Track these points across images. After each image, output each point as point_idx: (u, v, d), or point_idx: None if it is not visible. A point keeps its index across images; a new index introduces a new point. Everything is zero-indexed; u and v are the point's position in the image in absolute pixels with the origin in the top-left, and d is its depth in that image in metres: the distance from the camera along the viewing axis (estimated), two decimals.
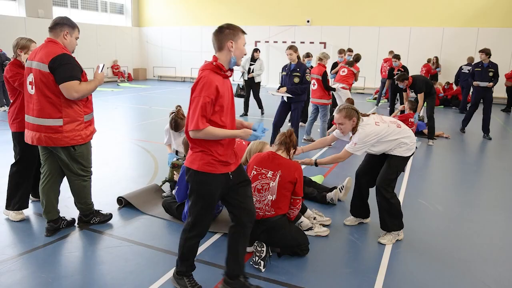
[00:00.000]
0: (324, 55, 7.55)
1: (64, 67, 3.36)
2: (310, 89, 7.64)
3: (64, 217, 3.90)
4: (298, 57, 6.50)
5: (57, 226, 3.80)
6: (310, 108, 8.03)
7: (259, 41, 18.54)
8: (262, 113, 10.60)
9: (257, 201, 3.33)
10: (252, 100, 10.47)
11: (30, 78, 3.47)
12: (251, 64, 10.12)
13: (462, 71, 12.28)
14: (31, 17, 16.06)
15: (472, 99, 8.81)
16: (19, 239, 3.71)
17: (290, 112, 6.71)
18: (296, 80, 6.35)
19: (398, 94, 10.72)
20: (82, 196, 3.83)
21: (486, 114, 8.55)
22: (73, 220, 3.97)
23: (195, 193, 2.69)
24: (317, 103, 7.55)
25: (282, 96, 6.56)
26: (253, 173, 3.38)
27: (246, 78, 10.23)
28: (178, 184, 3.88)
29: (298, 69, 6.39)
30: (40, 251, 3.47)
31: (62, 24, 3.50)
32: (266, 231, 3.31)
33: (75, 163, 3.65)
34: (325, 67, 7.50)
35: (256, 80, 10.22)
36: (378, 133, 3.56)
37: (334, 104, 8.37)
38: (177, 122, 4.83)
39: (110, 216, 4.09)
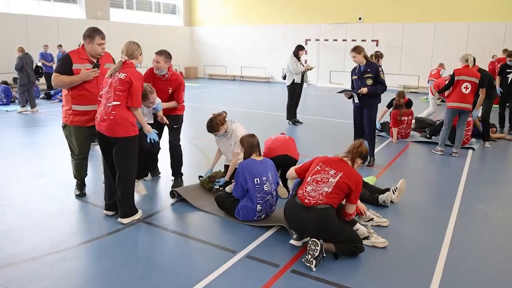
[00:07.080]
0: (467, 56, 6.82)
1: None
2: (461, 93, 6.63)
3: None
4: (366, 57, 5.89)
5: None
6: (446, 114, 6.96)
7: (309, 39, 18.43)
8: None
9: (312, 190, 3.45)
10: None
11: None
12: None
13: None
14: (90, 19, 16.92)
15: None
16: (82, 229, 3.95)
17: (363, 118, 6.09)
18: (370, 82, 5.81)
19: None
20: None
21: None
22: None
23: None
24: (467, 109, 6.69)
25: (353, 100, 6.06)
26: (317, 168, 3.54)
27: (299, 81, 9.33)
28: (235, 181, 4.02)
29: (369, 70, 5.83)
30: (101, 241, 3.68)
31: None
32: (315, 220, 3.36)
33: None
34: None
35: (297, 80, 9.29)
36: None
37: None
38: (211, 123, 4.67)
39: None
